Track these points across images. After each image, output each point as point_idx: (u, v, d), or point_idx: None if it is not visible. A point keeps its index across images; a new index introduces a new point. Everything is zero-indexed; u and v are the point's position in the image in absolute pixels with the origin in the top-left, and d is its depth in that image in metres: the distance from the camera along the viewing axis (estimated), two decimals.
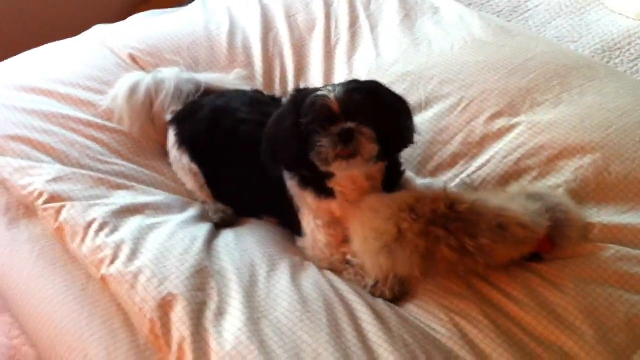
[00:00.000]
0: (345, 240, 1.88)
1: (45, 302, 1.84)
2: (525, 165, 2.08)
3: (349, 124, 1.73)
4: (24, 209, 2.07)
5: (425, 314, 1.76)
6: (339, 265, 1.92)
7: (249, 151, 2.00)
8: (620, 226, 1.90)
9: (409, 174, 2.02)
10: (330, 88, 1.80)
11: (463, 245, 1.69)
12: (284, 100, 2.38)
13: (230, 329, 1.65)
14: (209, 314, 1.70)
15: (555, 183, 2.02)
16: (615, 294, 1.75)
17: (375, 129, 1.76)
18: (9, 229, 2.04)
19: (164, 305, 1.71)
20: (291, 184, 1.94)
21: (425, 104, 2.32)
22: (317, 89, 1.85)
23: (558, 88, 2.29)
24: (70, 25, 3.02)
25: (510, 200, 1.82)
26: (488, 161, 2.12)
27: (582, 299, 1.74)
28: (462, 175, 2.10)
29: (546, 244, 1.83)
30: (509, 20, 2.93)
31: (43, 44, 2.73)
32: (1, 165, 2.12)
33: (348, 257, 1.90)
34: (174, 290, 1.73)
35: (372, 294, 1.83)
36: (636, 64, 2.64)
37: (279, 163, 1.89)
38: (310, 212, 1.93)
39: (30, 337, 1.90)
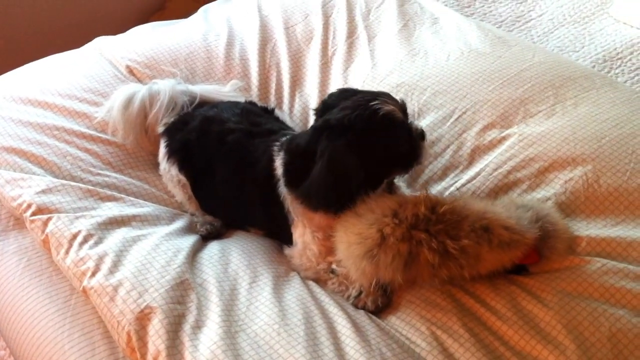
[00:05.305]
0: (332, 249, 1.86)
1: (29, 314, 1.83)
2: (515, 178, 2.05)
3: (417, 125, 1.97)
4: (15, 220, 2.08)
5: (407, 327, 1.74)
6: (324, 274, 1.91)
7: (235, 161, 2.01)
8: (608, 239, 1.87)
9: (399, 184, 2.00)
10: (386, 99, 1.87)
11: (445, 248, 1.67)
12: (277, 112, 2.38)
13: (207, 342, 1.64)
14: (187, 327, 1.69)
15: (545, 196, 1.99)
16: (600, 308, 1.73)
17: None
18: None
19: (142, 319, 1.70)
20: (291, 198, 1.91)
21: (418, 116, 2.29)
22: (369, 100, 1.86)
23: (552, 99, 2.26)
24: (81, 37, 3.01)
25: (495, 205, 1.80)
26: (478, 174, 2.09)
27: (566, 313, 1.71)
28: (452, 189, 2.08)
29: (533, 255, 1.81)
30: (511, 31, 2.90)
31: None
32: None
33: (333, 266, 1.89)
34: (153, 304, 1.72)
35: (355, 305, 1.82)
36: (638, 74, 2.59)
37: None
38: (308, 225, 1.92)
39: (11, 349, 1.90)
